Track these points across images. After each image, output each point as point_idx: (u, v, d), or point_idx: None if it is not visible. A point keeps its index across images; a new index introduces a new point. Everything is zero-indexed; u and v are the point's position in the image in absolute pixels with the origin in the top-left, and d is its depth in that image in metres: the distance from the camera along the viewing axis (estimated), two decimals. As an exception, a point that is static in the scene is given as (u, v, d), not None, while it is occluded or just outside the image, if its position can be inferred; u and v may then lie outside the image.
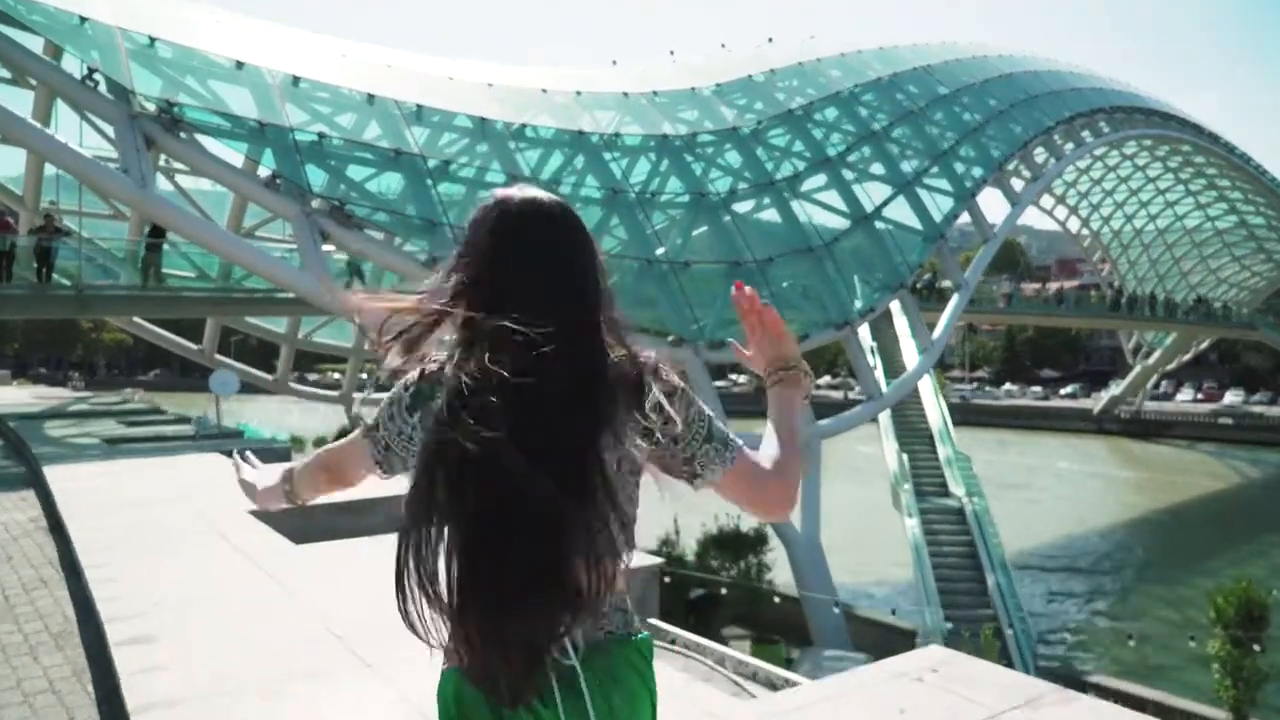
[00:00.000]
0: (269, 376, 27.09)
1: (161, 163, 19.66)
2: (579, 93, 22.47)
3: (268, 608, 4.14)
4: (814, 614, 16.37)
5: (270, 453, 11.37)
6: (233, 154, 17.22)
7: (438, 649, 1.19)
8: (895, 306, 23.71)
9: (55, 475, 8.21)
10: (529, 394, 1.13)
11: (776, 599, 15.27)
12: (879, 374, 22.13)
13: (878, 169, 25.50)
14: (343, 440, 1.54)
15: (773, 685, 3.91)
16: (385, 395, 1.35)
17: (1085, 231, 54.57)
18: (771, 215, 23.11)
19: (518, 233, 1.25)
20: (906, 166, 25.87)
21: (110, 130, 15.70)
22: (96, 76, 14.88)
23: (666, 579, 5.30)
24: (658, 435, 1.27)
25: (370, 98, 18.11)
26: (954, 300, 24.58)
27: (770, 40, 30.23)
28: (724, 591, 15.12)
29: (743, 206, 22.98)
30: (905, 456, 21.02)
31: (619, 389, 1.22)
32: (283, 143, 16.02)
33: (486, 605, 1.11)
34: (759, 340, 1.53)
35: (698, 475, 1.34)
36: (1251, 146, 48.16)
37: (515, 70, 25.14)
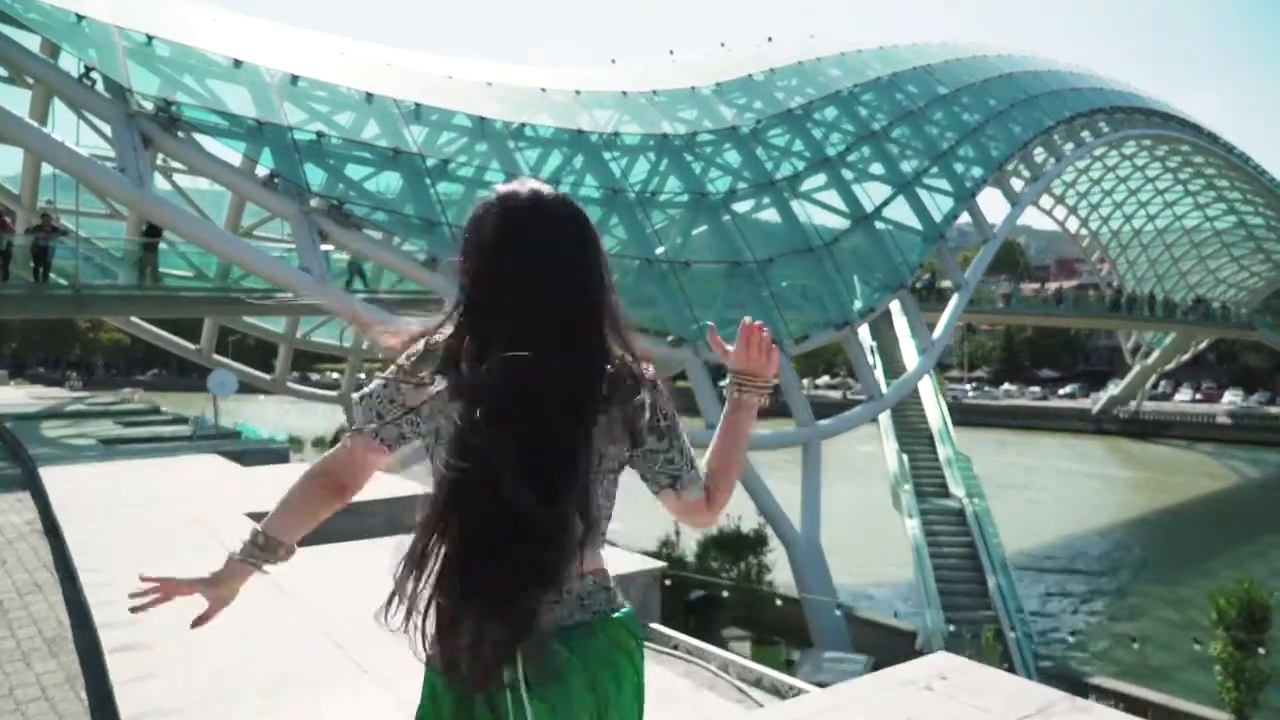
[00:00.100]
0: (267, 376, 27.00)
1: (159, 162, 19.56)
2: (578, 92, 22.42)
3: (265, 613, 4.08)
4: (814, 616, 16.32)
5: (268, 453, 11.32)
6: (231, 153, 17.20)
7: (421, 652, 1.23)
8: (895, 307, 23.67)
9: (51, 477, 8.14)
10: (530, 396, 1.16)
11: (778, 601, 15.22)
12: (879, 374, 22.10)
13: (877, 169, 25.46)
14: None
15: (778, 692, 3.84)
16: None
17: (1084, 231, 54.58)
18: (771, 215, 23.07)
19: (519, 229, 1.24)
20: (906, 166, 25.83)
21: (107, 129, 15.63)
22: (94, 75, 14.81)
23: (667, 581, 5.24)
24: (642, 441, 1.34)
25: (369, 96, 18.05)
26: (954, 300, 24.54)
27: (770, 40, 30.20)
28: (725, 594, 15.06)
29: (742, 206, 22.94)
30: (905, 457, 20.97)
31: (615, 390, 1.26)
32: (281, 142, 15.95)
33: (465, 593, 1.15)
34: (743, 351, 1.58)
35: (669, 487, 1.40)
36: (1251, 146, 48.26)
37: (514, 69, 25.08)
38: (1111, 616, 21.42)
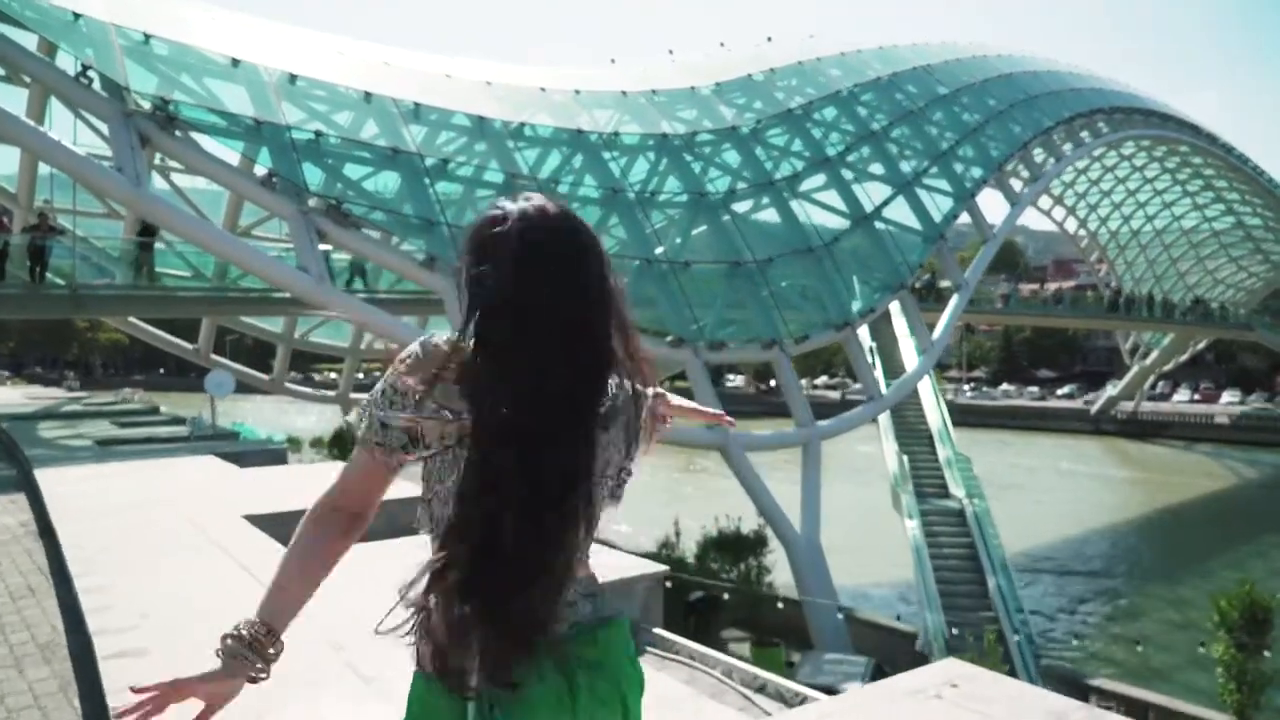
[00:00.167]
0: (265, 376, 26.93)
1: (157, 161, 19.51)
2: (578, 91, 22.37)
3: (262, 619, 4.02)
4: (815, 617, 16.27)
5: (266, 453, 11.26)
6: (229, 152, 17.14)
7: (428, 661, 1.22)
8: (895, 307, 23.64)
9: (46, 478, 8.07)
10: (530, 397, 1.18)
11: (780, 604, 15.18)
12: (878, 374, 22.07)
13: (877, 169, 25.43)
14: (334, 480, 1.37)
15: (783, 699, 3.79)
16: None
17: (1082, 232, 54.59)
18: (771, 215, 23.03)
19: (542, 261, 1.23)
20: (906, 166, 25.81)
21: (105, 128, 15.55)
22: (91, 74, 14.71)
23: (668, 584, 5.18)
24: (633, 451, 1.37)
25: (367, 96, 17.98)
26: (954, 300, 24.51)
27: (770, 40, 30.14)
28: (726, 597, 15.01)
29: (742, 206, 22.90)
30: (905, 457, 20.93)
31: (619, 395, 1.30)
32: (279, 141, 15.88)
33: (475, 599, 1.15)
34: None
35: (613, 500, 1.37)
36: (1251, 146, 48.33)
37: (514, 69, 25.03)
38: (1111, 617, 21.41)
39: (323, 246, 15.55)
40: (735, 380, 74.97)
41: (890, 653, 15.32)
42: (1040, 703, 3.03)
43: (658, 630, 4.54)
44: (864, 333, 22.72)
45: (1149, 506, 34.39)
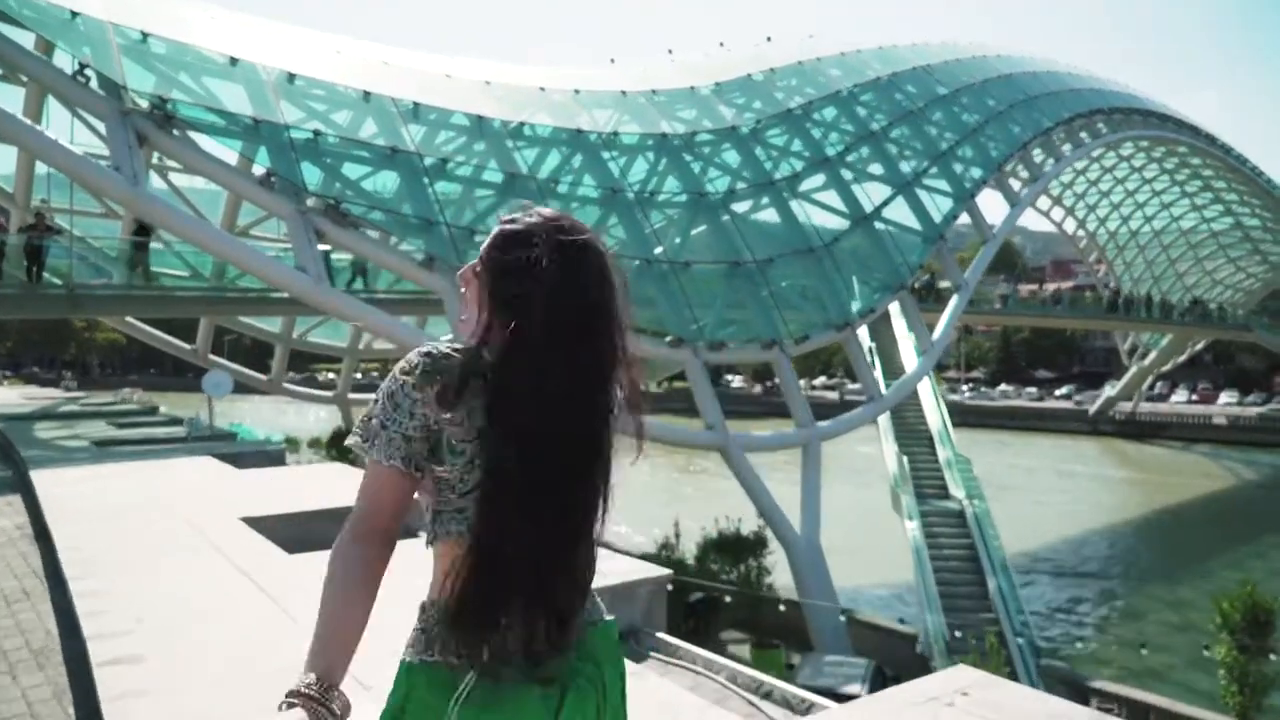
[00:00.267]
0: (263, 376, 26.85)
1: (154, 160, 19.45)
2: (577, 91, 22.30)
3: (259, 625, 3.96)
4: (815, 618, 16.20)
5: (264, 454, 11.19)
6: (227, 151, 17.07)
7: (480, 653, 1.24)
8: (894, 308, 23.59)
9: (43, 479, 8.00)
10: (576, 409, 1.27)
11: (782, 607, 15.11)
12: (878, 375, 22.02)
13: (877, 169, 25.38)
14: (357, 505, 1.30)
15: (789, 705, 3.73)
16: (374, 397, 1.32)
17: (1081, 233, 54.58)
18: (770, 215, 22.97)
19: (576, 276, 1.30)
20: (905, 167, 25.76)
21: (102, 127, 15.46)
22: (88, 72, 14.62)
23: (669, 586, 5.13)
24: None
25: (366, 95, 17.91)
26: (954, 301, 24.48)
27: (769, 40, 30.08)
28: (728, 599, 14.96)
29: (741, 206, 22.83)
30: (905, 458, 20.88)
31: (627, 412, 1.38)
32: (277, 140, 15.80)
33: (516, 590, 1.22)
34: None
35: None
36: (1250, 146, 48.37)
37: (513, 68, 24.96)
38: (1112, 618, 21.37)
39: (322, 246, 15.48)
40: (738, 381, 74.60)
41: (891, 654, 15.27)
42: (1053, 711, 2.98)
43: (661, 635, 4.49)
44: (863, 333, 22.67)
45: (1147, 507, 34.38)
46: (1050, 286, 69.46)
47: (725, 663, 4.16)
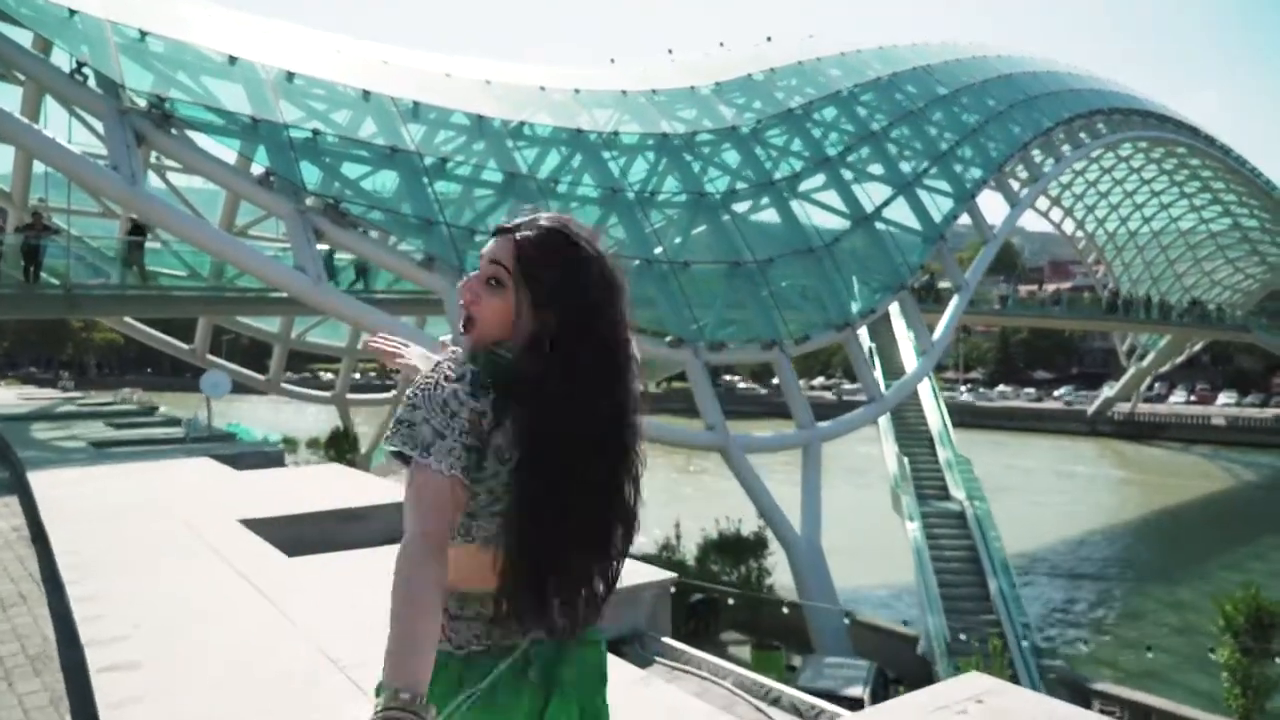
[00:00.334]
0: (261, 376, 26.77)
1: (152, 160, 19.37)
2: (577, 91, 22.25)
3: (259, 630, 3.90)
4: (816, 620, 16.15)
5: (262, 456, 11.12)
6: (225, 150, 17.00)
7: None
8: (894, 308, 23.55)
9: (40, 481, 7.93)
10: (618, 411, 1.38)
11: (785, 609, 15.06)
12: (878, 375, 21.97)
13: (877, 169, 25.35)
14: (419, 514, 1.25)
15: (798, 712, 3.68)
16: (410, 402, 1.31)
17: (1080, 233, 54.56)
18: (771, 215, 22.93)
19: (613, 289, 1.40)
20: (906, 167, 25.74)
21: (100, 126, 15.38)
22: (86, 71, 14.56)
23: (672, 589, 5.07)
24: None
25: (366, 94, 17.85)
26: (954, 301, 24.45)
27: (769, 39, 30.04)
28: (731, 602, 14.91)
29: (742, 206, 22.80)
30: (905, 459, 20.84)
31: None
32: (276, 139, 15.74)
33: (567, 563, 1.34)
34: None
35: None
36: (1250, 146, 48.40)
37: (513, 68, 24.90)
38: (1111, 619, 21.35)
39: (322, 246, 15.41)
40: (748, 383, 73.71)
41: (892, 656, 15.22)
42: (1063, 717, 2.92)
43: (666, 640, 4.43)
44: (863, 333, 22.63)
45: (1146, 508, 34.38)
46: (1049, 287, 69.41)
47: (732, 668, 4.10)
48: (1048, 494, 35.76)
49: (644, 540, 19.58)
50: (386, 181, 17.81)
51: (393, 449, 1.27)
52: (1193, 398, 63.81)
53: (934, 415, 22.95)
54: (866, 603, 20.26)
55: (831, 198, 23.93)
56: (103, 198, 19.17)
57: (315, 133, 16.65)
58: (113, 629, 3.82)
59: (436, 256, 15.96)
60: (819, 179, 24.02)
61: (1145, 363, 54.87)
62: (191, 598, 4.42)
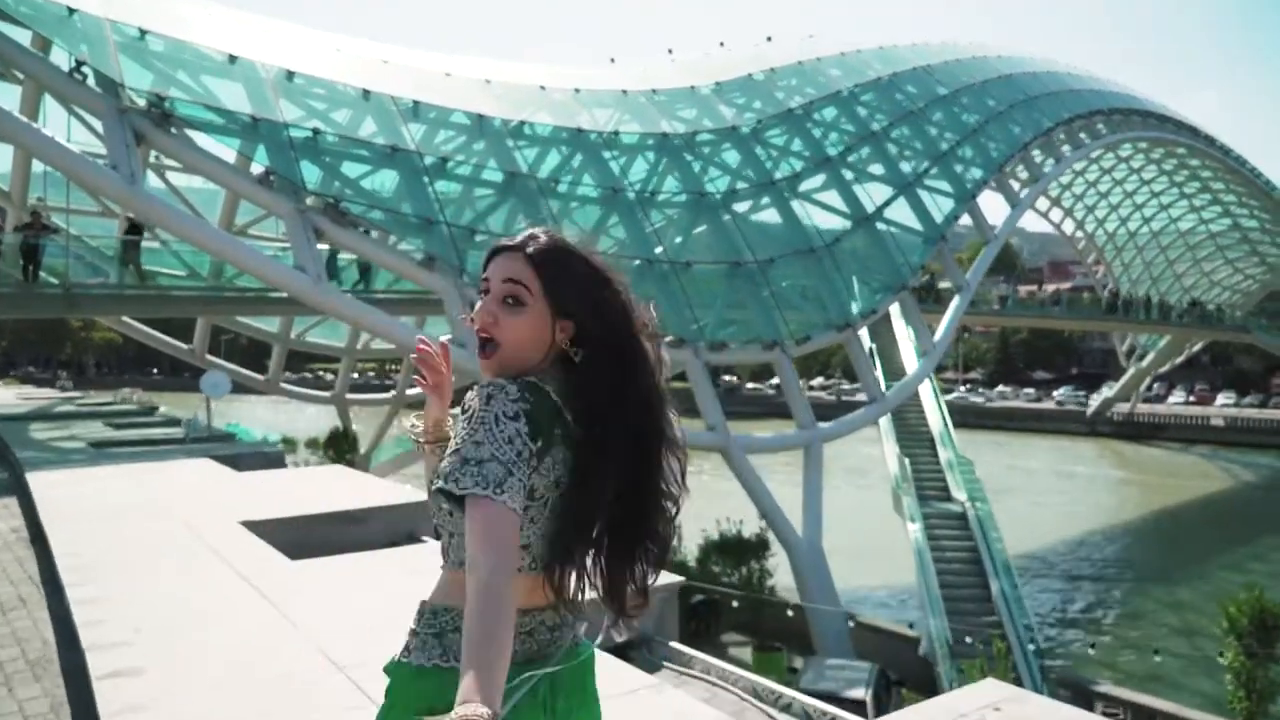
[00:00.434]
0: (260, 376, 26.71)
1: (152, 159, 19.29)
2: (577, 90, 22.20)
3: (260, 634, 3.85)
4: (818, 621, 16.11)
5: (262, 456, 11.07)
6: (225, 150, 16.93)
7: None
8: (895, 308, 23.50)
9: (39, 481, 7.88)
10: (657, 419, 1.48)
11: (790, 612, 15.00)
12: (878, 375, 21.92)
13: (877, 169, 25.30)
14: (497, 547, 1.23)
15: (809, 718, 3.63)
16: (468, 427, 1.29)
17: (1080, 234, 54.53)
18: (771, 215, 22.88)
19: (621, 285, 1.47)
20: (906, 167, 25.69)
21: (99, 125, 15.32)
22: (85, 70, 14.49)
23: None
24: None
25: (366, 93, 17.79)
26: (955, 302, 24.41)
27: (770, 39, 29.99)
28: (735, 605, 14.85)
29: (742, 206, 22.75)
30: (906, 460, 20.78)
31: None
32: (276, 139, 15.68)
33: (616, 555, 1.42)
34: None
35: None
36: (1250, 147, 48.41)
37: (513, 67, 24.84)
38: (1114, 621, 21.31)
39: (323, 246, 15.35)
40: (752, 384, 73.34)
41: (893, 658, 15.16)
42: (1088, 727, 2.88)
43: (674, 644, 4.38)
44: (864, 334, 22.58)
45: (1146, 508, 34.36)
46: (1049, 287, 69.39)
47: (741, 673, 4.05)
48: (1047, 494, 35.75)
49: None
50: (386, 181, 17.76)
51: (464, 492, 1.23)
52: (1192, 398, 63.79)
53: (934, 416, 22.91)
54: (868, 604, 20.22)
55: (832, 198, 23.89)
56: (102, 197, 19.09)
57: (315, 132, 16.59)
58: (114, 633, 3.77)
59: (437, 256, 15.91)
60: (819, 179, 23.97)
61: (1145, 363, 54.87)
62: (193, 600, 4.37)
